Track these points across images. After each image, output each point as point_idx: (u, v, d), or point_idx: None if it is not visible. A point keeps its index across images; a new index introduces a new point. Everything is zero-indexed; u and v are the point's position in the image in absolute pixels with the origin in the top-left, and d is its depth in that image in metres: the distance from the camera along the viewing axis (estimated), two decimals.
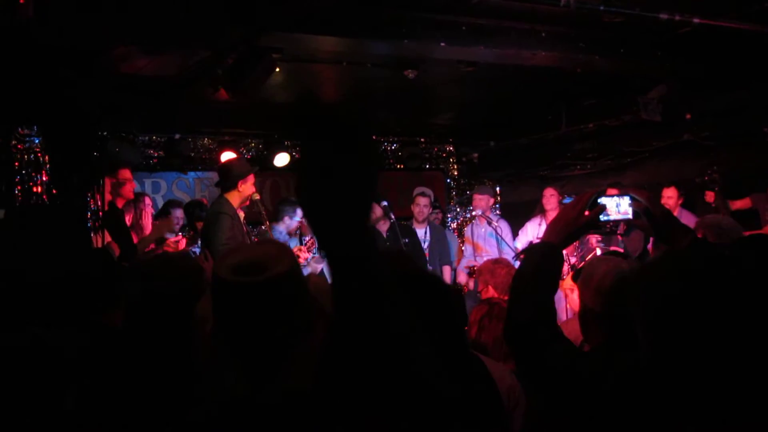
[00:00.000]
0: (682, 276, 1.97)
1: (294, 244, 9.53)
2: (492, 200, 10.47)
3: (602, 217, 2.74)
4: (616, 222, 2.80)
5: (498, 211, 14.00)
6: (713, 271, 1.92)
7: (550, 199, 10.10)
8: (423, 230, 10.21)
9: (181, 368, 2.48)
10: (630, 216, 2.80)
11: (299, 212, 9.50)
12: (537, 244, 2.71)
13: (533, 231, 10.00)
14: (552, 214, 9.31)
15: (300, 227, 9.69)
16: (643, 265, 2.54)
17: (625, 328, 2.93)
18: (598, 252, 7.95)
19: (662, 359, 1.97)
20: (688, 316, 1.89)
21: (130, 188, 8.32)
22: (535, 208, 10.70)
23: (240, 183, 7.42)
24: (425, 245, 10.11)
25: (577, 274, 3.72)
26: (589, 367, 2.28)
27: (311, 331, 2.18)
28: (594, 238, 7.93)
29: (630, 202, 2.78)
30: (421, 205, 10.17)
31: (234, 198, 7.42)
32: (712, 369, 1.85)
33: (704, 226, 5.02)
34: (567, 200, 8.44)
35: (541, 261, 2.56)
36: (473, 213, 10.32)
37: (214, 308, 2.22)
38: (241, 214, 7.56)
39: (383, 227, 9.68)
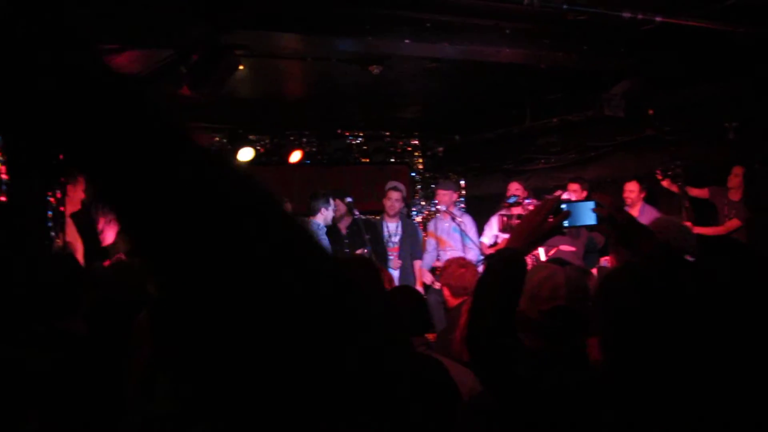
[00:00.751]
0: (640, 291, 1.99)
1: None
2: (455, 195, 10.46)
3: (566, 223, 2.75)
4: (579, 227, 2.83)
5: (463, 205, 14.05)
6: (672, 287, 1.94)
7: (516, 193, 10.15)
8: (395, 224, 10.20)
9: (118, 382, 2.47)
10: (594, 221, 2.82)
11: (332, 201, 9.52)
12: (500, 249, 2.71)
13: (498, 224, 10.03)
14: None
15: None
16: (602, 279, 2.55)
17: (559, 337, 2.96)
18: (541, 251, 7.94)
19: (620, 373, 2.00)
20: (647, 331, 1.91)
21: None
22: (500, 202, 10.74)
23: None
24: (396, 239, 10.11)
25: None
26: (552, 380, 2.29)
27: None
28: None
29: (593, 207, 2.80)
30: (393, 199, 10.14)
31: None
32: (669, 384, 1.87)
33: (659, 229, 5.03)
34: (511, 199, 8.44)
35: (504, 267, 2.56)
36: (437, 207, 10.32)
37: (151, 327, 2.20)
38: None
39: (344, 224, 9.67)
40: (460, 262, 5.79)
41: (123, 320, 2.66)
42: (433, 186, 13.65)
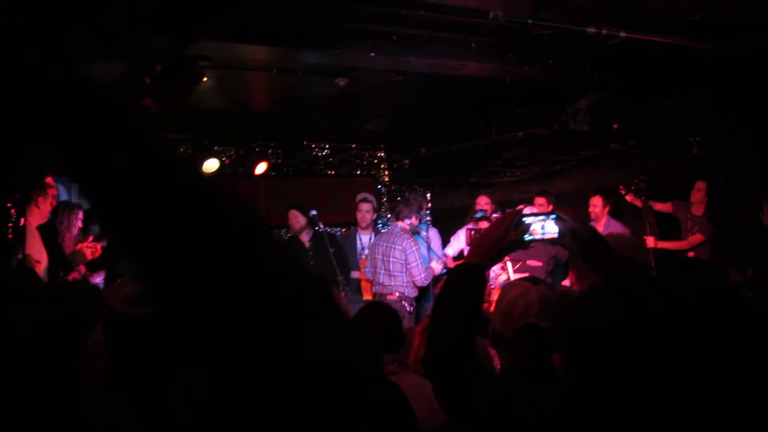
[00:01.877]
0: (606, 318, 1.98)
1: None
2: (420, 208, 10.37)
3: (527, 237, 2.73)
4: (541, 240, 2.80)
5: (429, 218, 14.07)
6: (636, 313, 1.93)
7: (485, 207, 10.17)
8: (368, 236, 10.18)
9: (70, 400, 2.41)
10: (556, 235, 2.80)
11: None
12: (460, 264, 2.68)
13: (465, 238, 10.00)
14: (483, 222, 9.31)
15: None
16: (568, 302, 2.53)
17: (532, 356, 2.94)
18: (509, 265, 7.93)
19: (582, 395, 1.98)
20: (610, 355, 1.90)
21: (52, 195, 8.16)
22: (466, 215, 10.74)
23: None
24: (367, 251, 10.08)
25: None
26: (513, 402, 2.27)
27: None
28: None
29: (556, 221, 2.78)
30: (364, 210, 10.10)
31: None
32: (632, 408, 1.86)
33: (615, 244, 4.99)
34: (479, 214, 8.41)
35: (463, 283, 2.53)
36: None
37: (105, 341, 2.16)
38: None
39: (306, 237, 9.63)
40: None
41: (70, 336, 2.59)
42: (399, 198, 13.66)
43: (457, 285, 2.53)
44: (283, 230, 10.58)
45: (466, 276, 2.54)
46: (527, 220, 2.72)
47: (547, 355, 2.94)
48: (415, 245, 8.93)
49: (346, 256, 9.72)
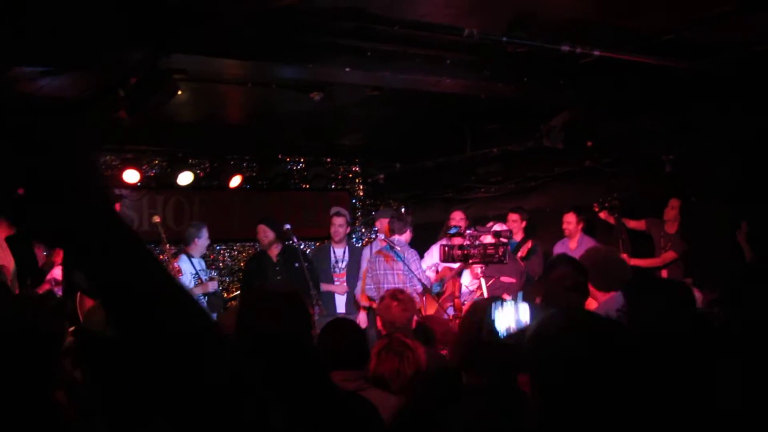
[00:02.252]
0: (574, 340, 1.98)
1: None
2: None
3: (503, 333, 2.75)
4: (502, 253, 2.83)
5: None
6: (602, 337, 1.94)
7: (459, 223, 10.18)
8: (342, 250, 10.17)
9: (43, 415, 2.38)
10: (530, 322, 2.82)
11: (204, 231, 9.57)
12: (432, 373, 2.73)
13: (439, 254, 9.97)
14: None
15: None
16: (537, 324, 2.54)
17: (498, 373, 2.96)
18: (483, 282, 7.94)
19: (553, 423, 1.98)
20: (578, 383, 1.90)
21: None
22: (440, 230, 10.74)
23: None
24: (343, 264, 10.09)
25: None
26: None
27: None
28: (478, 267, 7.92)
29: (529, 308, 2.79)
30: (337, 224, 10.12)
31: None
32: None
33: (593, 260, 4.99)
34: (453, 230, 8.39)
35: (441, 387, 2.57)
36: (380, 238, 10.09)
37: (84, 361, 2.14)
38: None
39: (275, 251, 9.60)
40: (395, 294, 5.74)
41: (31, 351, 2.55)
42: (373, 213, 13.65)
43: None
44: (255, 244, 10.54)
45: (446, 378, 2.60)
46: (498, 312, 2.73)
47: (513, 373, 2.95)
48: (415, 255, 9.11)
49: (316, 271, 9.70)
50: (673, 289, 3.29)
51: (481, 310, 2.72)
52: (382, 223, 9.98)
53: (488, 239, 7.63)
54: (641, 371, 1.91)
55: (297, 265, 9.23)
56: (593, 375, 1.90)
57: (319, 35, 6.51)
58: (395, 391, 4.14)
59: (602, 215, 9.76)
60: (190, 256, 9.58)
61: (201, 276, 9.47)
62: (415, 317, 5.85)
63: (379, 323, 5.75)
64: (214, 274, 9.62)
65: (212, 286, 9.38)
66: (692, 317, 2.74)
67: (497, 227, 8.47)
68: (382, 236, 9.79)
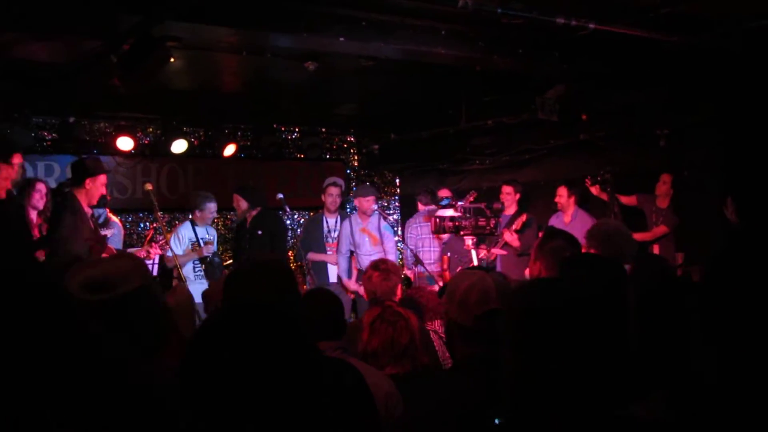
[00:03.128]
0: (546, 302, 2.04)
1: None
2: (375, 198, 10.38)
3: None
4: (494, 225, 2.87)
5: (398, 203, 14.13)
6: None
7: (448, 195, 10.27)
8: (334, 219, 10.25)
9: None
10: None
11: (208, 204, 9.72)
12: None
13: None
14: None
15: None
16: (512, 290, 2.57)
17: (489, 343, 2.99)
18: (473, 254, 7.96)
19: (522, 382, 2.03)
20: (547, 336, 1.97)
21: (18, 173, 8.13)
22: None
23: (88, 181, 7.43)
24: (335, 234, 10.20)
25: (441, 291, 3.71)
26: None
27: (161, 351, 2.13)
28: (469, 239, 7.95)
29: None
30: (334, 194, 10.19)
31: (81, 195, 7.44)
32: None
33: (599, 236, 5.00)
34: (444, 201, 8.41)
35: None
36: (371, 212, 10.21)
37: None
38: (89, 212, 7.57)
39: (249, 220, 9.74)
40: (377, 265, 5.77)
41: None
42: (368, 184, 13.68)
43: None
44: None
45: None
46: None
47: None
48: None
49: (282, 239, 9.88)
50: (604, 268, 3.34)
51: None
52: (360, 202, 10.04)
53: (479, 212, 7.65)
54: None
55: (260, 233, 9.35)
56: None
57: (314, 4, 6.49)
58: (383, 362, 4.15)
59: (594, 190, 9.77)
60: (194, 224, 9.76)
61: (200, 242, 9.55)
62: (399, 288, 5.84)
63: (362, 291, 5.78)
64: (211, 238, 9.68)
65: (207, 250, 9.47)
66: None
67: (472, 198, 8.53)
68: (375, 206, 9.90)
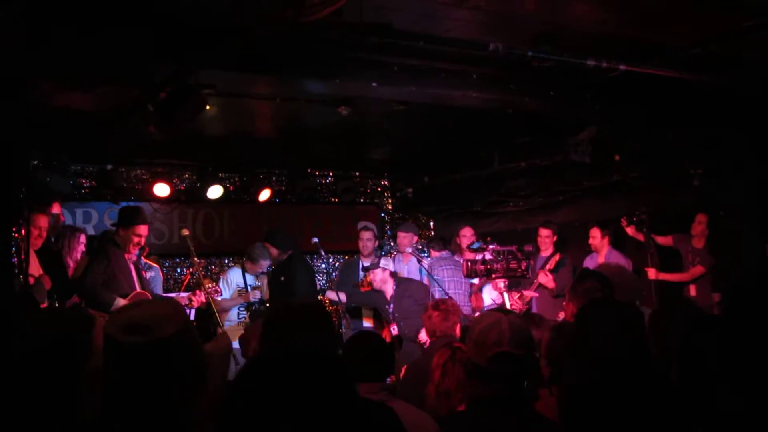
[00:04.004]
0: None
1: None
2: (416, 238, 10.48)
3: None
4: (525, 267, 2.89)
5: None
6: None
7: (471, 239, 10.29)
8: (369, 263, 10.26)
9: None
10: None
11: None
12: None
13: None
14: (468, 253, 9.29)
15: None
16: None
17: (506, 382, 3.01)
18: (505, 297, 7.94)
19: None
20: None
21: (52, 221, 8.27)
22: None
23: (121, 230, 7.60)
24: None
25: (464, 333, 3.75)
26: None
27: (203, 391, 2.16)
28: (501, 282, 7.93)
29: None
30: (365, 239, 10.29)
31: (120, 240, 7.58)
32: None
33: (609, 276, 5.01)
34: (475, 245, 8.38)
35: None
36: (405, 251, 10.29)
37: (105, 365, 2.20)
38: (132, 257, 7.70)
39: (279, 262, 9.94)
40: (437, 304, 5.80)
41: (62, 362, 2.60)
42: (411, 222, 13.76)
43: None
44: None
45: None
46: None
47: (519, 382, 3.02)
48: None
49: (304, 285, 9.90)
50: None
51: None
52: (398, 236, 10.22)
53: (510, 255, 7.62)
54: None
55: (282, 278, 9.45)
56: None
57: (346, 50, 6.56)
58: (457, 401, 4.15)
59: (630, 231, 9.74)
60: (244, 271, 9.93)
61: (247, 288, 9.72)
62: (458, 327, 5.87)
63: (424, 335, 5.83)
64: (260, 284, 9.87)
65: (253, 296, 9.62)
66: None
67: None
68: (408, 249, 9.97)
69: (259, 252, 9.94)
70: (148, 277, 8.57)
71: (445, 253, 10.55)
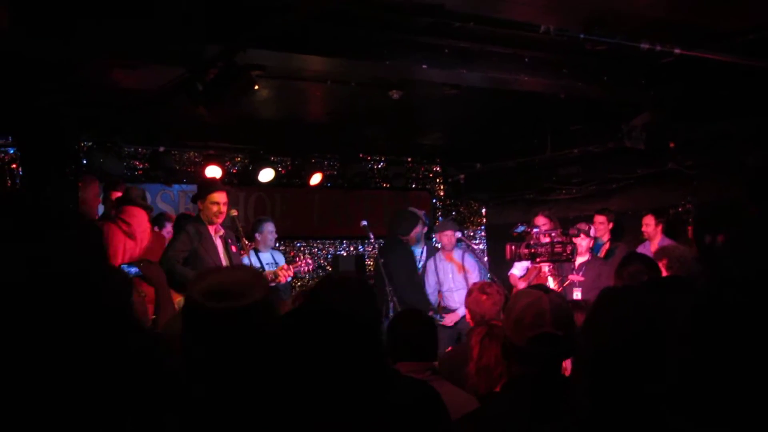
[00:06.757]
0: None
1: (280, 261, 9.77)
2: (457, 232, 10.36)
3: None
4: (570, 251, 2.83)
5: (483, 233, 14.03)
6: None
7: (545, 227, 10.15)
8: (419, 250, 10.48)
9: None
10: None
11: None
12: None
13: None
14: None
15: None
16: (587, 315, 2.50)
17: (544, 363, 2.94)
18: (549, 281, 7.83)
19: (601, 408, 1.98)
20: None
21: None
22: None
23: (200, 203, 7.50)
24: (420, 264, 10.43)
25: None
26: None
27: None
28: (546, 266, 7.83)
29: None
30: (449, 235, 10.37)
31: (201, 215, 7.48)
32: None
33: (665, 256, 4.97)
34: (519, 229, 8.27)
35: None
36: (448, 249, 10.30)
37: (184, 326, 2.22)
38: (221, 231, 7.53)
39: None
40: (484, 288, 5.75)
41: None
42: (453, 213, 13.67)
43: None
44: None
45: None
46: None
47: (558, 363, 2.96)
48: None
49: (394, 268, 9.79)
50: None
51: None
52: (440, 237, 10.30)
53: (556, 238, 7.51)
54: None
55: (381, 260, 9.60)
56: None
57: (397, 32, 6.53)
58: (496, 376, 4.11)
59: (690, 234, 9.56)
60: (257, 251, 9.78)
61: (264, 268, 9.49)
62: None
63: (468, 316, 5.78)
64: (278, 264, 9.66)
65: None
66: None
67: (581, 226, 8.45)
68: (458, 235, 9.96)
69: (257, 221, 10.09)
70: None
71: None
